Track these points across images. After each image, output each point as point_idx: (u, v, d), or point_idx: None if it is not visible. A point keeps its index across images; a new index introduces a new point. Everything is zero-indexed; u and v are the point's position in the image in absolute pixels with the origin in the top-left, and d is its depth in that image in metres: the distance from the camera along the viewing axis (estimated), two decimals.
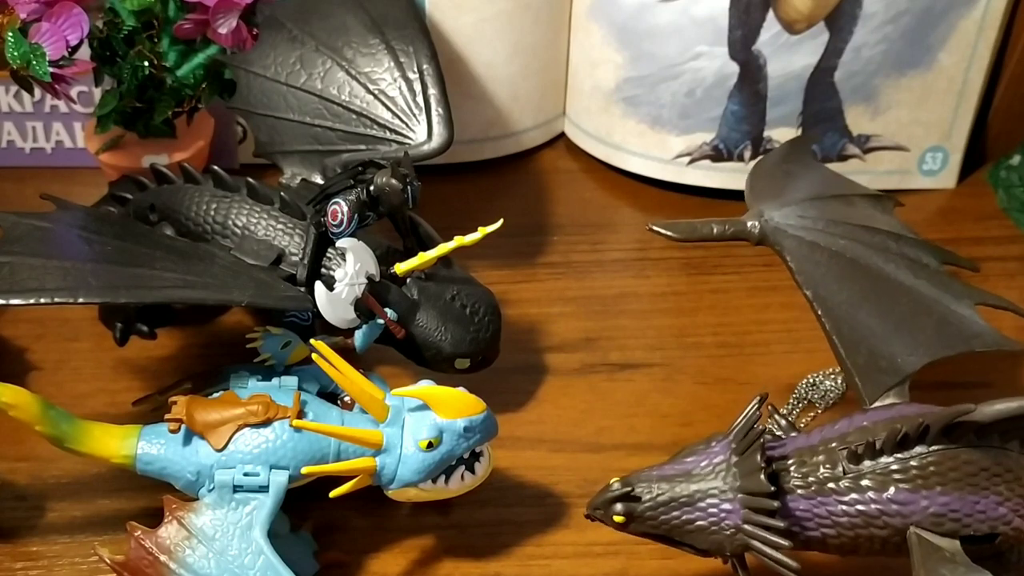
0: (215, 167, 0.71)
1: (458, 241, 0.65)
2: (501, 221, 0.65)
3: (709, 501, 0.53)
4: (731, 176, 0.89)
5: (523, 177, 0.93)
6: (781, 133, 0.87)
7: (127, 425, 0.59)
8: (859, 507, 0.53)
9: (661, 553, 0.63)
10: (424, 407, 0.58)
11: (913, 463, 0.52)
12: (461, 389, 0.58)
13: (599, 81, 0.90)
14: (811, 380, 0.72)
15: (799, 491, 0.53)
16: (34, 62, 0.67)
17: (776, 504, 0.52)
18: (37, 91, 0.70)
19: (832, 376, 0.72)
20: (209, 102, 0.79)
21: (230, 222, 0.69)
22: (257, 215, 0.68)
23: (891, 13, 0.83)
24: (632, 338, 0.77)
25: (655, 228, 0.64)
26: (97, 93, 0.82)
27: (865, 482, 0.53)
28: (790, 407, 0.71)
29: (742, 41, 0.84)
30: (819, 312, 0.62)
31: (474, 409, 0.58)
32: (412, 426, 0.58)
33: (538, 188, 0.92)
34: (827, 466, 0.53)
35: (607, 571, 0.62)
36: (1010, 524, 0.53)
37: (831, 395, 0.72)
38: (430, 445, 0.57)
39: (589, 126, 0.93)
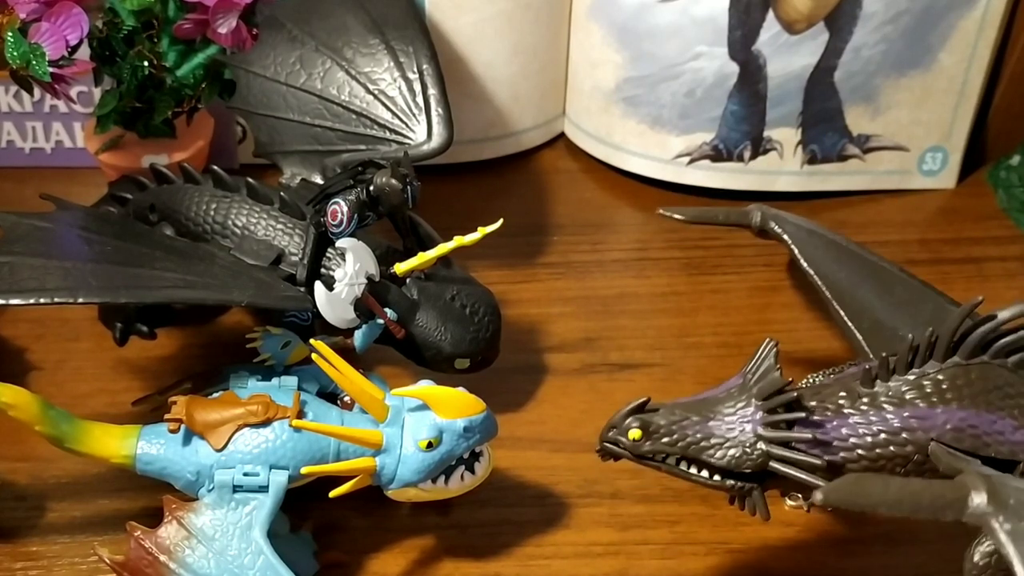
0: (215, 167, 0.71)
1: (458, 241, 0.65)
2: (501, 221, 0.65)
3: (726, 412, 0.52)
4: (731, 176, 0.89)
5: (523, 177, 0.93)
6: (781, 133, 0.88)
7: (127, 425, 0.59)
8: (878, 425, 0.53)
9: (661, 553, 0.63)
10: (424, 407, 0.58)
11: (926, 380, 0.53)
12: (461, 389, 0.58)
13: (599, 81, 0.90)
14: (811, 380, 0.72)
15: (816, 415, 0.53)
16: (34, 62, 0.67)
17: (794, 394, 0.52)
18: (37, 91, 0.69)
19: (832, 377, 0.72)
20: (209, 102, 0.79)
21: (230, 222, 0.69)
22: (257, 215, 0.68)
23: (891, 13, 0.83)
24: (632, 338, 0.77)
25: (664, 212, 0.67)
26: (97, 93, 0.82)
27: (882, 400, 0.53)
28: None
29: (742, 41, 0.84)
30: (821, 285, 0.62)
31: (474, 409, 0.58)
32: (412, 426, 0.58)
33: (538, 188, 0.92)
34: (842, 393, 0.54)
35: (607, 571, 0.62)
36: None
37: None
38: (430, 445, 0.57)
39: (589, 126, 0.93)
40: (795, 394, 0.52)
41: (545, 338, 0.77)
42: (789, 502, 0.65)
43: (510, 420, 0.69)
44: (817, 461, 0.51)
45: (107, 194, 0.76)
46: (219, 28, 0.74)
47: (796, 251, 0.64)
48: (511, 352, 0.71)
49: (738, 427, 0.52)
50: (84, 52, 0.71)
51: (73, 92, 0.71)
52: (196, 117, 0.81)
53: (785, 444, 0.52)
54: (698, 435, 0.52)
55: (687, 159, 0.89)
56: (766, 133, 0.88)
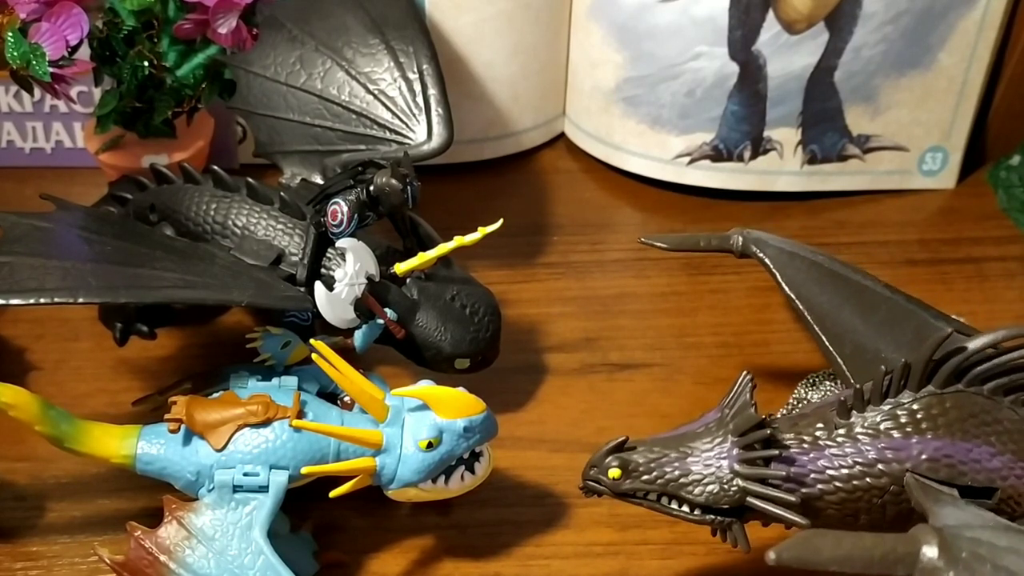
0: (215, 167, 0.71)
1: (458, 241, 0.65)
2: (501, 221, 0.65)
3: (704, 448, 0.53)
4: (731, 176, 0.89)
5: (523, 177, 0.93)
6: (781, 133, 0.88)
7: (127, 425, 0.59)
8: (854, 457, 0.53)
9: (661, 553, 0.63)
10: (424, 407, 0.58)
11: (901, 410, 0.53)
12: (461, 389, 0.58)
13: (599, 81, 0.90)
14: (811, 380, 0.72)
15: (793, 448, 0.53)
16: (34, 62, 0.67)
17: (767, 431, 0.52)
18: (37, 91, 0.70)
19: (832, 376, 0.72)
20: (209, 102, 0.79)
21: (230, 222, 0.69)
22: (257, 215, 0.68)
23: (891, 13, 0.83)
24: (632, 338, 0.77)
25: (646, 240, 0.67)
26: (97, 93, 0.82)
27: (857, 431, 0.53)
28: (790, 407, 0.71)
29: (742, 41, 0.84)
30: (802, 309, 0.63)
31: (474, 409, 0.58)
32: (412, 426, 0.58)
33: (538, 188, 0.92)
34: (819, 425, 0.54)
35: (607, 571, 0.62)
36: (1006, 480, 0.53)
37: (832, 394, 0.72)
38: (430, 445, 0.57)
39: (589, 126, 0.93)
40: (768, 431, 0.53)
41: (545, 338, 0.77)
42: None
43: (510, 420, 0.69)
44: (791, 498, 0.52)
45: (107, 194, 0.76)
46: (219, 28, 0.74)
47: (777, 275, 0.64)
48: (511, 352, 0.71)
49: (715, 464, 0.53)
50: (84, 52, 0.71)
51: (73, 92, 0.71)
52: (196, 117, 0.81)
53: (761, 480, 0.52)
54: (676, 472, 0.53)
55: (687, 159, 0.89)
56: (766, 133, 0.88)
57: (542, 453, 0.69)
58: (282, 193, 0.69)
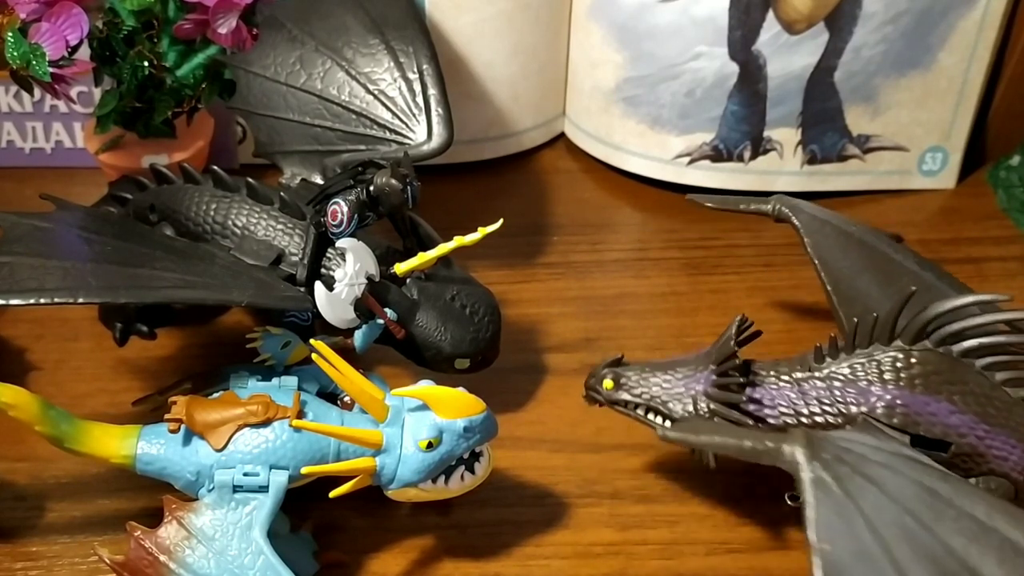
0: (215, 167, 0.71)
1: (458, 241, 0.65)
2: (501, 221, 0.65)
3: (687, 372, 0.61)
4: (731, 176, 0.89)
5: (523, 177, 0.93)
6: (781, 133, 0.88)
7: (127, 425, 0.59)
8: (819, 397, 0.59)
9: (661, 553, 0.63)
10: (424, 407, 0.58)
11: (869, 360, 0.58)
12: (461, 389, 0.58)
13: (599, 81, 0.90)
14: None
15: (769, 382, 0.60)
16: (34, 62, 0.67)
17: (738, 361, 0.59)
18: (37, 91, 0.70)
19: None
20: (209, 102, 0.79)
21: (230, 222, 0.69)
22: (257, 215, 0.68)
23: (891, 13, 0.83)
24: (632, 338, 0.77)
25: (693, 198, 0.75)
26: (97, 93, 0.82)
27: (826, 374, 0.59)
28: None
29: (742, 41, 0.84)
30: (820, 270, 0.68)
31: (474, 409, 0.58)
32: (412, 426, 0.58)
33: (538, 188, 0.92)
34: (798, 367, 0.60)
35: (607, 571, 0.62)
36: (964, 438, 0.57)
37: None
38: (430, 445, 0.57)
39: (589, 126, 0.93)
40: (738, 360, 0.59)
41: (545, 338, 0.77)
42: (789, 502, 0.65)
43: (510, 420, 0.69)
44: (749, 421, 0.59)
45: (107, 194, 0.76)
46: (219, 28, 0.74)
47: (804, 239, 0.69)
48: (511, 352, 0.71)
49: (693, 386, 0.60)
50: (84, 52, 0.71)
51: (73, 92, 0.71)
52: (196, 117, 0.81)
53: (728, 404, 0.59)
54: (660, 390, 0.61)
55: (687, 159, 0.89)
56: (766, 133, 0.88)
57: (542, 453, 0.69)
58: (282, 193, 0.68)
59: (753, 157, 0.88)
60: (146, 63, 0.76)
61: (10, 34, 0.67)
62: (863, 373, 0.58)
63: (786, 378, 0.60)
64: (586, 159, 0.94)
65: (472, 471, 0.59)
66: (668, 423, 0.61)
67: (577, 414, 0.71)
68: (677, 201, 0.90)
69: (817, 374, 0.59)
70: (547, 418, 0.71)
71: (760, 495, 0.65)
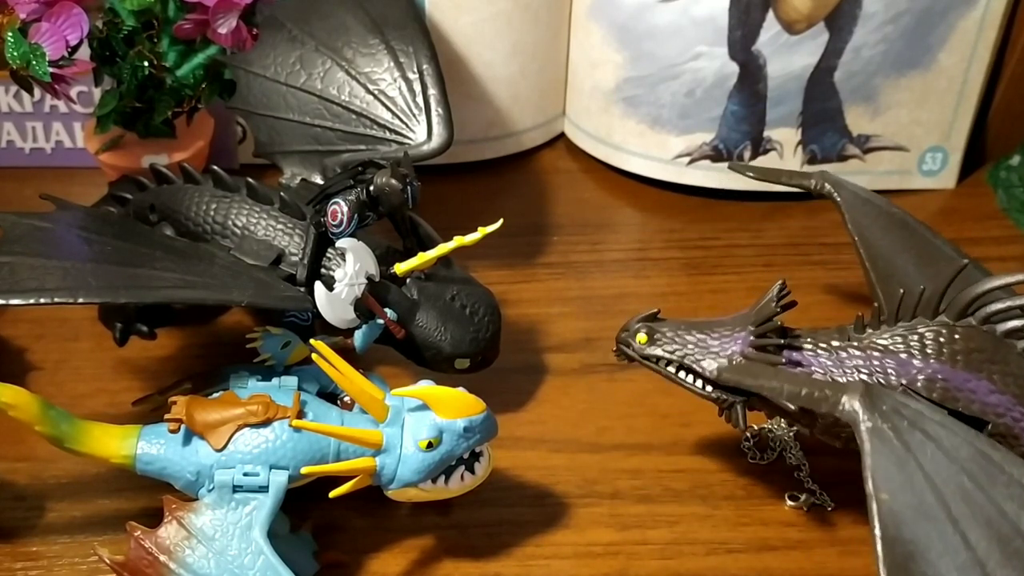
0: (215, 167, 0.71)
1: (458, 241, 0.65)
2: (501, 221, 0.65)
3: (724, 332, 0.60)
4: (731, 176, 0.89)
5: (523, 177, 0.93)
6: (781, 133, 0.88)
7: (127, 425, 0.59)
8: (856, 365, 0.58)
9: (661, 553, 0.63)
10: (424, 407, 0.58)
11: (912, 333, 0.57)
12: (461, 389, 0.58)
13: (599, 81, 0.90)
14: None
15: (806, 348, 0.59)
16: (34, 62, 0.67)
17: (779, 323, 0.58)
18: (37, 91, 0.70)
19: None
20: (209, 102, 0.79)
21: (230, 222, 0.69)
22: (257, 215, 0.68)
23: (891, 13, 0.83)
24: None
25: (734, 167, 0.76)
26: (97, 93, 0.82)
27: (866, 344, 0.58)
28: None
29: (742, 41, 0.84)
30: (859, 246, 0.68)
31: (474, 409, 0.58)
32: (412, 426, 0.58)
33: (538, 188, 0.92)
34: (836, 335, 0.59)
35: (607, 571, 0.62)
36: (1001, 418, 0.56)
37: None
38: (430, 445, 0.57)
39: (589, 126, 0.93)
40: (779, 323, 0.58)
41: (545, 338, 0.77)
42: (789, 502, 0.65)
43: (510, 420, 0.69)
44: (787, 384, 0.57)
45: (107, 194, 0.76)
46: (219, 28, 0.74)
47: (845, 215, 0.69)
48: (511, 352, 0.71)
49: (730, 346, 0.59)
50: (84, 52, 0.71)
51: (73, 92, 0.71)
52: (196, 117, 0.81)
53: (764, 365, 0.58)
54: (694, 348, 0.60)
55: (687, 159, 0.89)
56: (766, 133, 0.88)
57: (542, 453, 0.69)
58: (282, 193, 0.68)
59: (753, 157, 0.88)
60: (146, 63, 0.76)
61: (10, 34, 0.67)
62: (904, 345, 0.57)
63: (824, 345, 0.59)
64: (586, 159, 0.94)
65: (472, 471, 0.59)
66: (700, 383, 0.60)
67: (577, 414, 0.71)
68: (677, 201, 0.90)
69: (855, 343, 0.58)
70: (547, 418, 0.71)
71: (760, 495, 0.66)
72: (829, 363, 0.58)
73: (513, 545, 0.63)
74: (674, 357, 0.60)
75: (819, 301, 0.78)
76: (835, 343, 0.59)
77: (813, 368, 0.59)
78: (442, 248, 0.65)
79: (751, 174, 0.74)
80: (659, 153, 0.89)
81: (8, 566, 0.61)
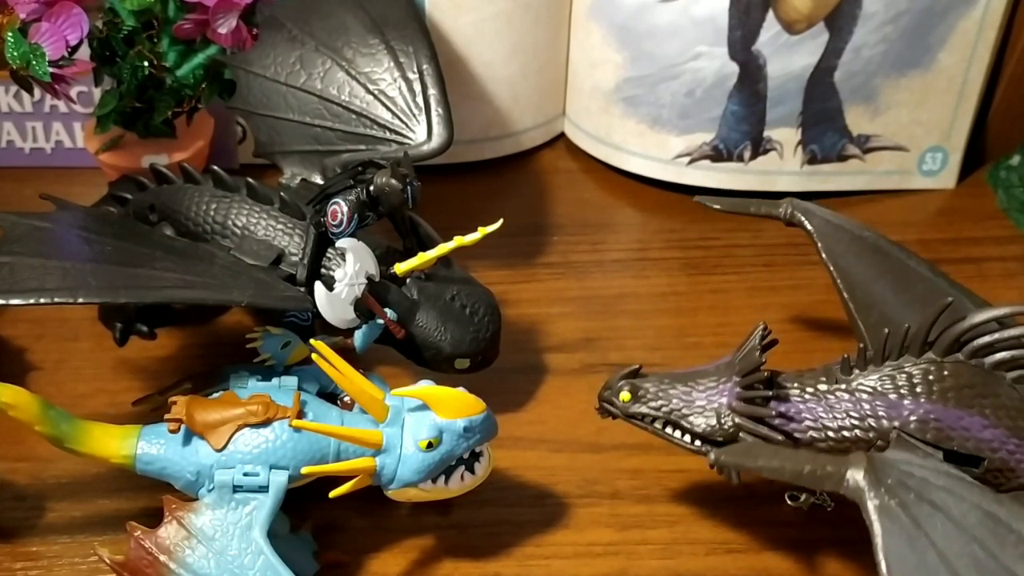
0: (215, 167, 0.71)
1: (458, 241, 0.65)
2: (501, 221, 0.65)
3: (709, 384, 0.58)
4: (731, 176, 0.89)
5: (523, 177, 0.93)
6: (781, 133, 0.88)
7: (127, 425, 0.59)
8: (847, 410, 0.57)
9: (661, 553, 0.63)
10: (424, 407, 0.58)
11: (899, 372, 0.56)
12: (461, 389, 0.58)
13: (599, 81, 0.90)
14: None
15: (794, 394, 0.58)
16: (34, 62, 0.67)
17: (765, 374, 0.57)
18: (37, 91, 0.70)
19: None
20: (209, 102, 0.79)
21: (230, 222, 0.69)
22: (257, 215, 0.68)
23: (891, 13, 0.83)
24: (632, 338, 0.77)
25: (701, 199, 0.72)
26: (97, 93, 0.82)
27: (855, 387, 0.57)
28: None
29: (742, 41, 0.84)
30: (836, 276, 0.66)
31: (474, 409, 0.58)
32: (412, 426, 0.58)
33: (538, 188, 0.92)
34: (822, 378, 0.58)
35: (607, 571, 0.62)
36: (996, 453, 0.55)
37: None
38: (430, 445, 0.57)
39: (589, 126, 0.93)
40: (767, 373, 0.57)
41: (545, 338, 0.77)
42: (789, 502, 0.65)
43: (510, 420, 0.69)
44: (778, 436, 0.56)
45: (107, 194, 0.76)
46: (219, 28, 0.74)
47: (818, 244, 0.68)
48: (511, 352, 0.71)
49: (716, 399, 0.58)
50: (84, 52, 0.71)
51: (73, 92, 0.71)
52: (196, 117, 0.81)
53: (755, 419, 0.57)
54: (680, 403, 0.58)
55: (687, 159, 0.89)
56: (766, 133, 0.88)
57: (542, 453, 0.69)
58: (282, 193, 0.68)
59: (753, 157, 0.88)
60: (146, 63, 0.76)
61: (10, 34, 0.67)
62: (892, 385, 0.56)
63: (811, 390, 0.58)
64: (586, 159, 0.94)
65: (472, 471, 0.59)
66: (689, 438, 0.58)
67: (577, 414, 0.71)
68: (677, 201, 0.90)
69: (844, 386, 0.57)
70: (547, 418, 0.71)
71: (760, 495, 0.65)
72: (819, 409, 0.57)
73: (513, 545, 0.63)
74: (660, 414, 0.59)
75: (820, 301, 0.78)
76: (822, 387, 0.58)
77: (804, 417, 0.57)
78: (442, 248, 0.65)
79: (718, 207, 0.73)
80: (659, 153, 0.89)
81: (8, 566, 0.61)
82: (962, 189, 0.92)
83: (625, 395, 0.59)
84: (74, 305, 0.60)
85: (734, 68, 0.85)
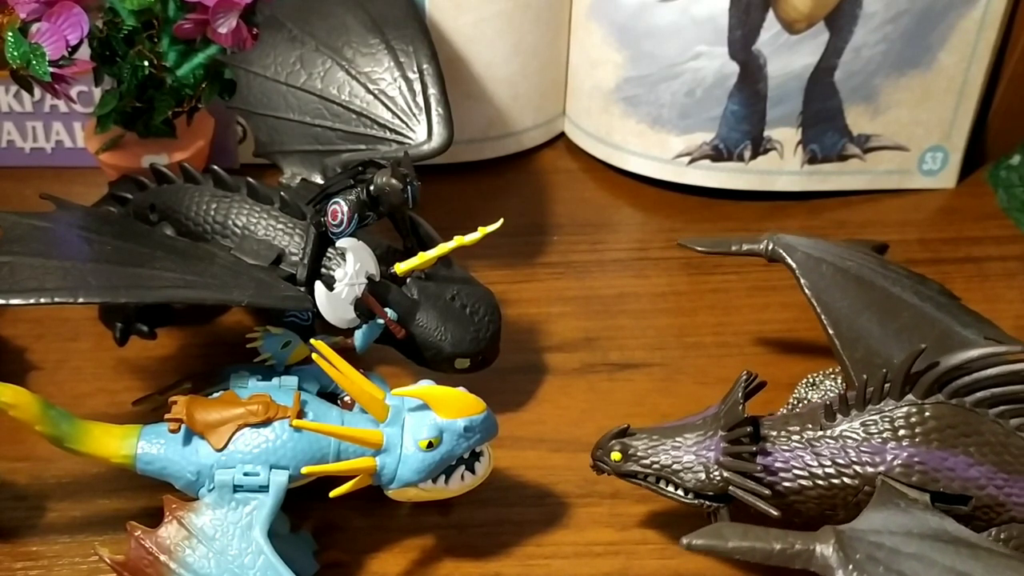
0: (215, 167, 0.71)
1: (458, 241, 0.65)
2: (501, 221, 0.65)
3: (696, 439, 0.58)
4: (731, 176, 0.89)
5: (523, 177, 0.93)
6: (781, 133, 0.88)
7: (127, 425, 0.59)
8: (833, 457, 0.57)
9: (661, 553, 0.63)
10: (424, 407, 0.58)
11: (882, 416, 0.57)
12: (461, 389, 0.58)
13: (599, 81, 0.90)
14: (811, 380, 0.72)
15: (780, 445, 0.58)
16: (34, 62, 0.67)
17: (749, 428, 0.57)
18: (37, 91, 0.69)
19: (832, 376, 0.72)
20: (209, 102, 0.79)
21: (230, 222, 0.69)
22: (257, 215, 0.68)
23: (891, 13, 0.83)
24: (632, 338, 0.77)
25: (684, 243, 0.73)
26: (97, 93, 0.82)
27: (839, 433, 0.57)
28: (790, 406, 0.71)
29: (742, 41, 0.84)
30: (820, 312, 0.66)
31: (474, 409, 0.58)
32: (412, 426, 0.58)
33: (538, 188, 0.92)
34: (808, 425, 0.58)
35: (607, 571, 0.62)
36: (983, 490, 0.56)
37: (831, 395, 0.72)
38: (430, 445, 0.57)
39: (589, 126, 0.93)
40: (750, 428, 0.57)
41: (545, 338, 0.77)
42: None
43: (510, 420, 0.69)
44: (765, 491, 0.56)
45: (107, 194, 0.76)
46: (219, 28, 0.74)
47: (801, 280, 0.67)
48: (511, 352, 0.71)
49: (704, 454, 0.58)
50: (84, 52, 0.71)
51: (73, 92, 0.71)
52: (196, 117, 0.81)
53: (742, 472, 0.57)
54: (670, 459, 0.59)
55: (687, 159, 0.89)
56: (766, 133, 0.88)
57: (542, 453, 0.69)
58: (282, 193, 0.69)
59: (753, 157, 0.88)
60: (146, 63, 0.76)
61: (10, 34, 0.67)
62: (876, 430, 0.57)
63: (797, 438, 0.58)
64: (586, 159, 0.94)
65: (472, 471, 0.59)
66: (681, 492, 0.59)
67: (577, 414, 0.71)
68: (677, 201, 0.90)
69: (829, 433, 0.58)
70: (547, 418, 0.71)
71: None
72: (807, 457, 0.57)
73: (513, 545, 0.63)
74: (651, 471, 0.59)
75: None
76: (808, 435, 0.58)
77: (792, 466, 0.57)
78: (442, 248, 0.65)
79: (701, 248, 0.72)
80: (659, 153, 0.89)
81: (8, 566, 0.61)
82: (962, 189, 0.92)
83: (616, 455, 0.60)
84: (74, 305, 0.60)
85: (734, 68, 0.85)
